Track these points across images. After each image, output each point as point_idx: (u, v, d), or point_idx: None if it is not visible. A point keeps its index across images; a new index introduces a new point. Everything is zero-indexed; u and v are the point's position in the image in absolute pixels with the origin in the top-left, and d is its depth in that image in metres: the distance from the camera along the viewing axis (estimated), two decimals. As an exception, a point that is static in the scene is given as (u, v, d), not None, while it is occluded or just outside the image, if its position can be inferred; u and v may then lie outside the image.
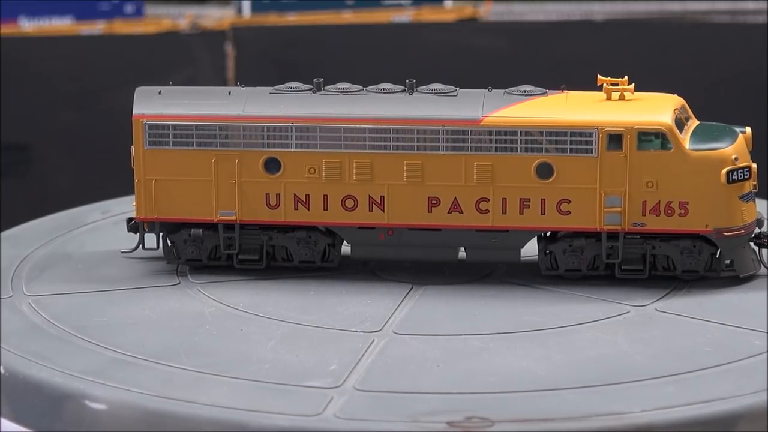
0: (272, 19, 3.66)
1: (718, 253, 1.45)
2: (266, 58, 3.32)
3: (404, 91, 1.46)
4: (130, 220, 1.55)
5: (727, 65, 3.20)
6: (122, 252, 1.56)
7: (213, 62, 3.29)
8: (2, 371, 1.26)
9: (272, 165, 1.45)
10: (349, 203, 1.45)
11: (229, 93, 1.47)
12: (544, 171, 1.42)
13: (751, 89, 3.13)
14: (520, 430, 1.11)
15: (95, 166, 3.29)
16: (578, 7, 3.88)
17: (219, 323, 1.37)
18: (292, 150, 1.44)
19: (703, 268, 1.45)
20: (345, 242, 1.50)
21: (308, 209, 1.45)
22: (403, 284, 1.48)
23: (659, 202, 1.41)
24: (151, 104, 1.47)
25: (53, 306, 1.43)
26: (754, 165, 1.44)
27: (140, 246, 1.54)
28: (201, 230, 1.49)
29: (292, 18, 3.67)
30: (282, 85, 1.49)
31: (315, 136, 1.44)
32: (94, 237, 1.70)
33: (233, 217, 1.47)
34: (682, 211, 1.41)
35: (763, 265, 1.49)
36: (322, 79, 1.48)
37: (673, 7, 3.85)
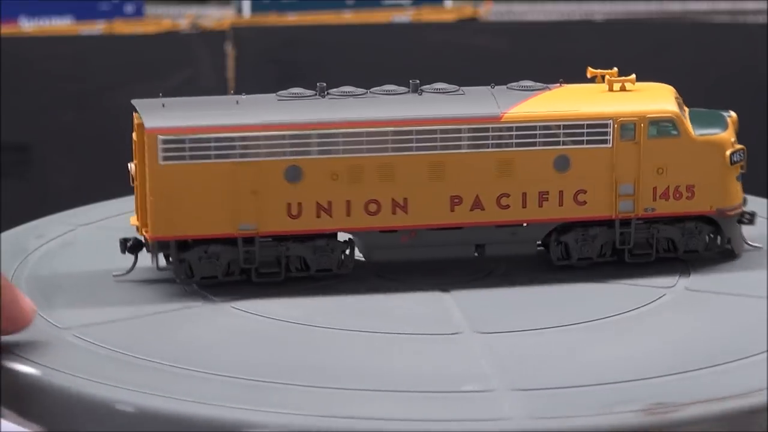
0: (272, 19, 3.66)
1: (716, 232, 1.49)
2: (266, 58, 3.32)
3: (411, 91, 1.45)
4: (126, 240, 1.45)
5: (727, 65, 3.21)
6: (114, 275, 1.46)
7: (213, 62, 3.29)
8: (2, 370, 1.26)
9: (293, 173, 1.41)
10: (372, 207, 1.43)
11: (237, 102, 1.42)
12: (562, 163, 1.44)
13: (751, 89, 3.14)
14: (706, 411, 1.12)
15: (95, 166, 3.29)
16: (578, 7, 3.88)
17: (294, 337, 1.32)
18: (314, 157, 1.41)
19: (703, 248, 1.49)
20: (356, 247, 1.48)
21: (331, 216, 1.42)
22: (426, 287, 1.45)
23: (668, 187, 1.46)
24: (163, 117, 1.40)
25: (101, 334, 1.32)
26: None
27: (133, 267, 1.46)
28: (220, 246, 1.42)
29: (292, 18, 3.67)
30: (284, 91, 1.45)
31: (337, 141, 1.41)
32: (57, 261, 1.56)
33: (254, 230, 1.41)
34: (689, 195, 1.46)
35: (745, 242, 1.53)
36: (325, 84, 1.44)
37: (673, 7, 3.85)
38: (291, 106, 1.43)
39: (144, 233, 1.44)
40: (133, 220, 1.47)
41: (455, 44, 3.39)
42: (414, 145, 1.42)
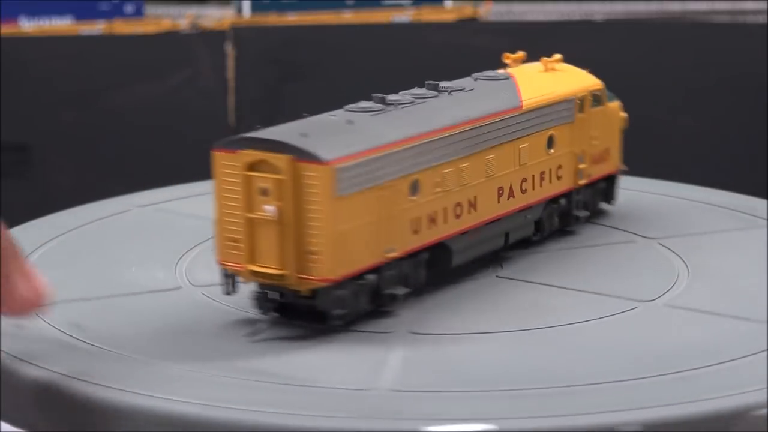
0: (272, 19, 3.66)
1: (606, 189, 1.63)
2: (266, 58, 3.32)
3: (438, 92, 1.44)
4: (266, 297, 1.29)
5: (727, 65, 3.21)
6: (249, 337, 1.28)
7: (213, 62, 3.29)
8: (2, 370, 1.26)
9: (414, 187, 1.35)
10: (458, 210, 1.42)
11: (351, 121, 1.32)
12: (550, 143, 1.52)
13: (751, 89, 3.14)
14: None
15: (95, 166, 3.30)
16: (578, 7, 3.89)
17: (552, 344, 1.27)
18: (426, 167, 1.36)
19: (599, 204, 1.63)
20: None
21: (436, 225, 1.38)
22: (481, 278, 1.46)
23: (598, 152, 1.59)
24: (329, 147, 1.27)
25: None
26: None
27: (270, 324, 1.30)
28: (375, 276, 1.30)
29: (292, 18, 3.68)
30: (352, 105, 1.37)
31: (440, 148, 1.37)
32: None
33: (396, 253, 1.32)
34: (606, 157, 1.60)
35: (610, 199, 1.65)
36: (383, 95, 1.38)
37: (673, 7, 3.86)
38: (390, 118, 1.37)
39: (301, 279, 1.27)
40: (261, 269, 1.27)
41: (455, 44, 3.40)
42: (480, 143, 1.43)
